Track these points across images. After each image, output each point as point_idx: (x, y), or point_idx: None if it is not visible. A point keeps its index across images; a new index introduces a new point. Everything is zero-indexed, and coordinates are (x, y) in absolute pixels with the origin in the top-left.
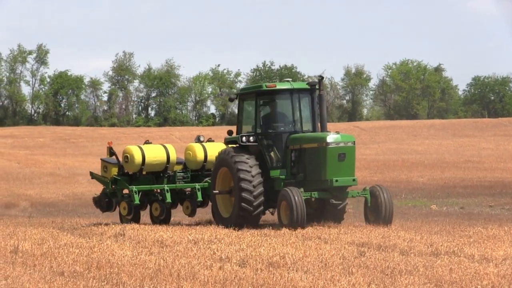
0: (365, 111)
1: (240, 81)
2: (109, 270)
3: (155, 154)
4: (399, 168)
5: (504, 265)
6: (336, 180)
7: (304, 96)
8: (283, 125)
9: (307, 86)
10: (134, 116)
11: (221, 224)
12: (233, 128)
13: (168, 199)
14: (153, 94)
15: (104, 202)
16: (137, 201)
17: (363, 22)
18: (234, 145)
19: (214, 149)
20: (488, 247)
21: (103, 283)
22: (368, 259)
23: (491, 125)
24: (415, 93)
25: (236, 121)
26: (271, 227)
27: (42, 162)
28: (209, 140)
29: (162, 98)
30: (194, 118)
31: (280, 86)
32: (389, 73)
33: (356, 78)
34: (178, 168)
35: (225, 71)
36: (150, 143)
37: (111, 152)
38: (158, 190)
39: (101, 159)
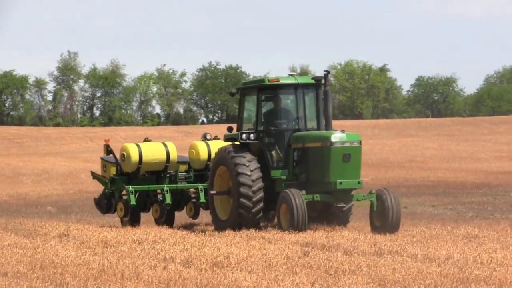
0: None
1: (186, 81)
2: (53, 271)
3: (153, 152)
4: None
5: (446, 265)
6: (340, 183)
7: (308, 92)
8: (286, 122)
9: (312, 81)
10: (79, 115)
11: (219, 227)
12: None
13: (168, 200)
14: (98, 94)
15: (104, 203)
16: (133, 202)
17: (308, 22)
18: (234, 143)
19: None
20: (431, 246)
21: (46, 284)
22: (312, 259)
23: (435, 125)
24: (359, 93)
25: (237, 117)
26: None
27: None
28: (215, 138)
29: (107, 98)
30: (139, 118)
31: (283, 80)
32: (333, 73)
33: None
34: (183, 168)
35: (170, 71)
36: (150, 140)
37: (108, 150)
38: (159, 191)
39: (100, 157)
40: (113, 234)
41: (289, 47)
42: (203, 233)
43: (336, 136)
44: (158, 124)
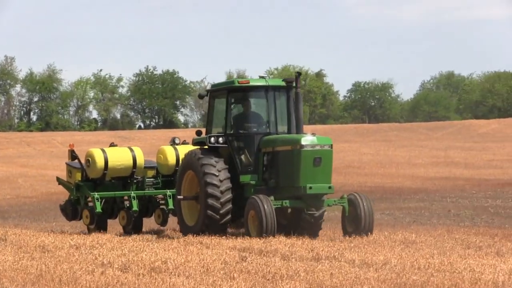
0: None
1: (122, 86)
2: None
3: (119, 157)
4: None
5: (384, 270)
6: (311, 187)
7: (279, 94)
8: (256, 126)
9: (283, 83)
10: (16, 120)
11: (186, 233)
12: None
13: (135, 207)
14: (35, 99)
15: (69, 210)
16: (99, 209)
17: (244, 26)
18: (202, 147)
19: None
20: (369, 252)
21: None
22: (249, 264)
23: (372, 130)
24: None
25: (206, 120)
26: (152, 232)
27: None
28: (184, 143)
29: (44, 103)
30: (76, 123)
31: (253, 82)
32: (270, 78)
33: None
34: (151, 173)
35: (107, 76)
36: (116, 145)
37: (72, 156)
38: (127, 198)
39: (66, 163)
40: (50, 239)
41: (225, 52)
42: (141, 238)
43: (307, 139)
44: (95, 129)
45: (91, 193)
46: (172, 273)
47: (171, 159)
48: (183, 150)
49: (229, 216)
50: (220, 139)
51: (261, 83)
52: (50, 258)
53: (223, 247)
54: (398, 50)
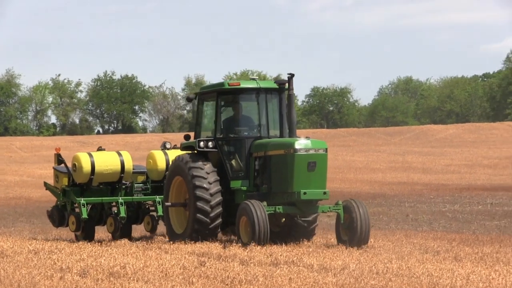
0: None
1: (81, 91)
2: None
3: (107, 162)
4: None
5: (342, 275)
6: (305, 193)
7: (272, 97)
8: (247, 130)
9: (275, 85)
10: None
11: (174, 241)
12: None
13: (123, 214)
14: None
15: (56, 216)
16: (85, 215)
17: (196, 32)
18: (191, 151)
19: None
20: (327, 256)
21: None
22: (208, 269)
23: (330, 135)
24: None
25: (195, 124)
26: (108, 238)
27: None
28: (175, 147)
29: (3, 108)
30: (35, 128)
31: (244, 84)
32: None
33: (196, 89)
34: (141, 178)
35: (65, 80)
36: (104, 149)
37: (59, 160)
38: (115, 203)
39: (53, 167)
40: (9, 244)
41: (184, 57)
42: (99, 243)
43: (301, 143)
44: (54, 134)
45: (77, 199)
46: (131, 278)
47: (161, 164)
48: (173, 154)
49: (219, 220)
50: (210, 144)
51: (252, 85)
52: (8, 263)
53: (181, 252)
54: (356, 55)
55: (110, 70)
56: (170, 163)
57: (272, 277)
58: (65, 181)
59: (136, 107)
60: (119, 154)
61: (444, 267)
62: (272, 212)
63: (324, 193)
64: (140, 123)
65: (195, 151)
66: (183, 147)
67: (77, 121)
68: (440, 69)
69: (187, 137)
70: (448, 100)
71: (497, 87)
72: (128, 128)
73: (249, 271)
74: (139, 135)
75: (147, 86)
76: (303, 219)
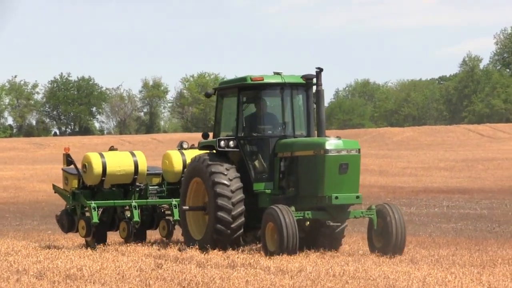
0: (162, 123)
1: (38, 93)
2: None
3: (119, 163)
4: None
5: (299, 277)
6: (336, 197)
7: (297, 93)
8: (271, 128)
9: (301, 81)
10: None
11: (192, 247)
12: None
13: (136, 218)
14: None
15: (66, 221)
16: (95, 220)
17: (154, 34)
18: (210, 151)
19: None
20: (284, 259)
21: None
22: (165, 271)
23: None
24: (212, 106)
25: (214, 122)
26: (67, 239)
27: None
28: (192, 147)
29: None
30: None
31: (268, 79)
32: (186, 86)
33: (153, 90)
34: (156, 180)
35: (22, 82)
36: (116, 149)
37: (68, 160)
38: (128, 207)
39: (62, 169)
40: None
41: (141, 59)
42: (56, 246)
43: (331, 143)
44: (11, 135)
45: (88, 202)
46: (88, 280)
47: (177, 165)
48: (191, 155)
49: (241, 231)
50: (231, 143)
51: (277, 80)
52: None
53: (138, 254)
54: (313, 57)
55: (66, 72)
56: (187, 164)
57: (229, 280)
58: (74, 183)
59: (94, 109)
60: (133, 154)
61: (401, 269)
62: (300, 217)
63: (357, 197)
64: (97, 125)
65: (215, 151)
66: (201, 147)
67: (34, 122)
68: (397, 72)
69: (205, 136)
70: (406, 103)
71: (454, 90)
72: (85, 130)
73: (206, 273)
74: (96, 137)
75: (104, 88)
76: (332, 224)
